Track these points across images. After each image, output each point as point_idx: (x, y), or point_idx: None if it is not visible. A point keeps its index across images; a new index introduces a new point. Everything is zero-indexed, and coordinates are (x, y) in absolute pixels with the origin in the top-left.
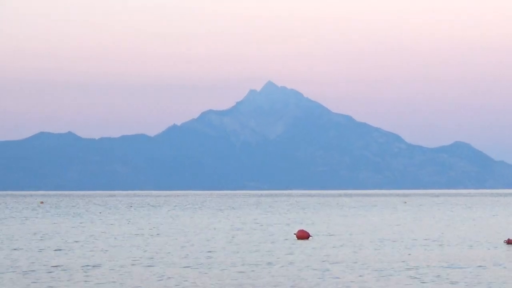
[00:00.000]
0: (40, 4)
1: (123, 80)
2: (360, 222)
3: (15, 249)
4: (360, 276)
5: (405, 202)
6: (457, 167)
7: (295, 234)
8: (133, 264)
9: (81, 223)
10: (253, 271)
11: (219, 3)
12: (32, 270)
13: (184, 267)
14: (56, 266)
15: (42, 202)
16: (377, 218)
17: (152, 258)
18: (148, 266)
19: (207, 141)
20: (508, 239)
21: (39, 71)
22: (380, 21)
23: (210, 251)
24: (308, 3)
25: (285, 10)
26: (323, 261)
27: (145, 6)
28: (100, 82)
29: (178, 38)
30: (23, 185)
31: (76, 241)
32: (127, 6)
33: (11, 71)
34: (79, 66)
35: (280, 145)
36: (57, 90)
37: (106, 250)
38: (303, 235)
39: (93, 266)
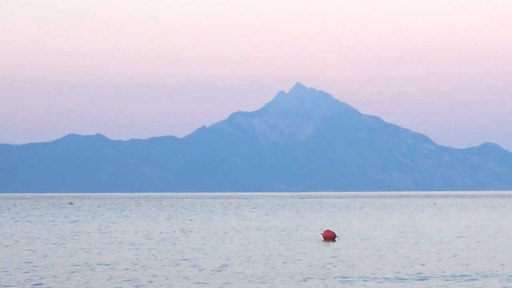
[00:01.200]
0: (65, 4)
1: (153, 82)
2: (387, 223)
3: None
4: (385, 278)
5: (435, 204)
6: (486, 168)
7: (321, 234)
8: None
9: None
10: (274, 269)
11: (248, 6)
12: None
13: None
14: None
15: (71, 203)
16: (405, 219)
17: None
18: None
19: (236, 142)
20: None
21: (68, 73)
22: (408, 22)
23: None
24: (337, 5)
25: (314, 12)
26: (348, 261)
27: (175, 7)
28: (129, 84)
29: (207, 40)
30: (52, 187)
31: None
32: (156, 7)
33: (41, 73)
34: (109, 68)
35: (309, 147)
36: (87, 92)
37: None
38: (329, 236)
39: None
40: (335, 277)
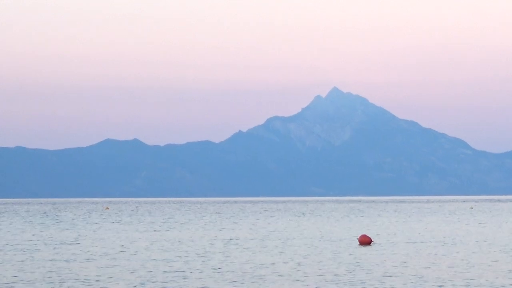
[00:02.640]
0: (101, 10)
1: (190, 87)
2: (423, 228)
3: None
4: (425, 281)
5: (472, 208)
6: None
7: (357, 239)
8: None
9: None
10: (318, 274)
11: (285, 11)
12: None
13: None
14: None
15: (107, 208)
16: (442, 223)
17: None
18: None
19: (273, 147)
20: None
21: (105, 78)
22: (444, 26)
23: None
24: (373, 9)
25: (350, 17)
26: (385, 265)
27: (214, 12)
28: (165, 89)
29: (243, 45)
30: (88, 192)
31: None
32: (195, 11)
33: (77, 78)
34: (145, 73)
35: (346, 151)
36: (123, 97)
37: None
38: (365, 240)
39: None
40: (371, 282)
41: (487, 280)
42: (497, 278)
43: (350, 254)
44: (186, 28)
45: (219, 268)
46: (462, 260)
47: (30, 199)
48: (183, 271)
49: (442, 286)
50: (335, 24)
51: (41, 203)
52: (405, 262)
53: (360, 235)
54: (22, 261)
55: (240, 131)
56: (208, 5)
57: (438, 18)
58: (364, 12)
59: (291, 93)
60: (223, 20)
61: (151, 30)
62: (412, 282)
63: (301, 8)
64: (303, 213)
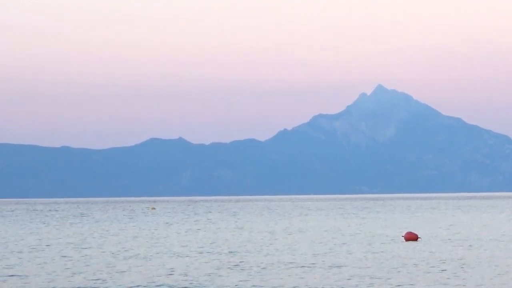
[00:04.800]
0: (147, 11)
1: (235, 85)
2: (467, 224)
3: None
4: (471, 276)
5: None
6: None
7: (403, 236)
8: None
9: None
10: (361, 270)
11: (331, 10)
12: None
13: None
14: None
15: (153, 208)
16: (486, 219)
17: None
18: None
19: (318, 145)
20: None
21: (149, 78)
22: (489, 21)
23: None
24: (417, 6)
25: (395, 15)
26: (432, 261)
27: (263, 14)
28: (210, 88)
29: (288, 43)
30: (134, 191)
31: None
32: (245, 12)
33: (122, 78)
34: (190, 72)
35: (391, 148)
36: (169, 96)
37: None
38: (411, 237)
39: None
40: (416, 278)
41: None
42: None
43: (395, 251)
44: (232, 29)
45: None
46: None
47: (76, 198)
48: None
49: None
50: (380, 22)
51: (94, 202)
52: (448, 258)
53: (406, 232)
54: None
55: (285, 129)
56: (258, 5)
57: (482, 13)
58: (408, 9)
59: (336, 91)
60: (267, 20)
61: (198, 31)
62: (454, 277)
63: (346, 7)
64: (348, 211)
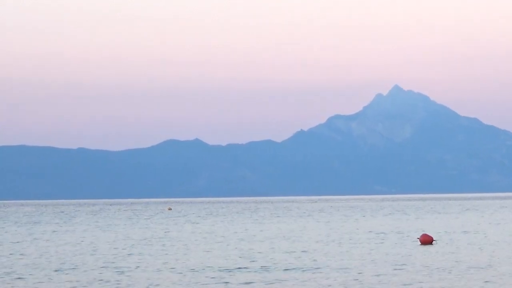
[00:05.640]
0: (169, 12)
1: (251, 86)
2: (485, 225)
3: None
4: (486, 281)
5: None
6: None
7: (418, 238)
8: None
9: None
10: (379, 275)
11: (347, 10)
12: None
13: None
14: None
15: (170, 209)
16: (507, 220)
17: None
18: None
19: (334, 146)
20: None
21: (166, 79)
22: (504, 21)
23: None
24: (434, 6)
25: (410, 15)
26: (447, 265)
27: (279, 14)
28: (227, 89)
29: (304, 43)
30: (150, 192)
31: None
32: (263, 12)
33: (138, 79)
34: (206, 73)
35: (408, 149)
36: (185, 98)
37: None
38: (426, 240)
39: None
40: (430, 281)
41: None
42: None
43: (410, 253)
44: (251, 30)
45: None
46: None
47: (92, 200)
48: None
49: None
50: (395, 22)
51: (112, 204)
52: (467, 259)
53: (421, 234)
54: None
55: (301, 130)
56: (274, 5)
57: (498, 13)
58: (424, 9)
59: (352, 92)
60: (285, 21)
61: (211, 30)
62: (474, 278)
63: (362, 7)
64: (366, 212)
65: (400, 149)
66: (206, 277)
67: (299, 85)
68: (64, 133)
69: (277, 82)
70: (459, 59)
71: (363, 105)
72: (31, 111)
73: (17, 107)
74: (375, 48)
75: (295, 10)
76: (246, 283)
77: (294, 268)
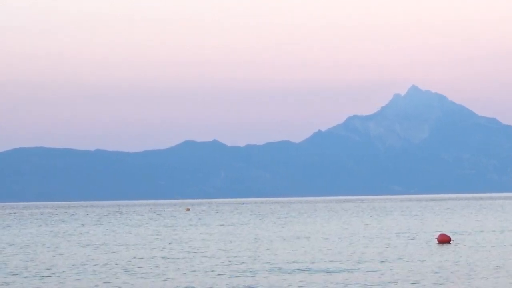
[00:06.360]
0: (184, 13)
1: (268, 86)
2: (503, 226)
3: None
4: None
5: None
6: None
7: (436, 238)
8: None
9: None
10: (396, 273)
11: (364, 9)
12: None
13: None
14: None
15: (188, 209)
16: None
17: None
18: None
19: (352, 146)
20: None
21: (183, 80)
22: None
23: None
24: (451, 5)
25: (428, 16)
26: (466, 264)
27: (297, 15)
28: (244, 89)
29: (322, 44)
30: (169, 193)
31: None
32: (281, 12)
33: (156, 80)
34: (224, 74)
35: (425, 149)
36: (203, 99)
37: None
38: (444, 240)
39: None
40: (451, 282)
41: None
42: None
43: (428, 253)
44: (270, 30)
45: None
46: None
47: (111, 201)
48: None
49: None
50: (413, 22)
51: (132, 205)
52: (480, 263)
53: (439, 234)
54: None
55: (319, 130)
56: (291, 5)
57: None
58: (442, 8)
59: (370, 92)
60: (304, 21)
61: (228, 30)
62: (493, 277)
63: (380, 6)
64: (384, 212)
65: (417, 149)
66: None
67: (316, 85)
68: (82, 135)
69: (295, 82)
70: (476, 59)
71: (381, 105)
72: (49, 113)
73: (35, 109)
74: (392, 49)
75: (317, 12)
76: None
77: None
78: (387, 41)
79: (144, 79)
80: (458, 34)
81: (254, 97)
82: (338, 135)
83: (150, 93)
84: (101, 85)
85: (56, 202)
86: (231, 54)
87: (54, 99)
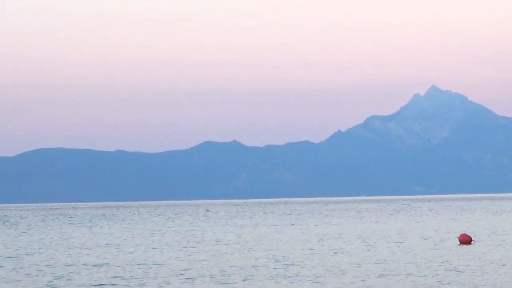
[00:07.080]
0: (200, 14)
1: (288, 87)
2: None
3: None
4: None
5: None
6: None
7: (457, 238)
8: None
9: None
10: (420, 276)
11: (384, 9)
12: None
13: None
14: None
15: (208, 210)
16: None
17: None
18: None
19: (372, 146)
20: None
21: (203, 81)
22: None
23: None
24: (471, 6)
25: (447, 15)
26: (487, 265)
27: (314, 15)
28: (264, 90)
29: (342, 44)
30: (189, 194)
31: None
32: (299, 13)
33: (176, 81)
34: (244, 75)
35: (445, 149)
36: (223, 99)
37: None
38: (465, 239)
39: None
40: (468, 282)
41: None
42: None
43: (450, 253)
44: (291, 29)
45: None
46: None
47: (130, 202)
48: None
49: None
50: (433, 22)
51: (151, 205)
52: (500, 263)
53: (460, 234)
54: None
55: (339, 130)
56: (306, 6)
57: None
58: (461, 8)
59: (389, 92)
60: (322, 21)
61: (244, 30)
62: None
63: (399, 6)
64: (405, 212)
65: (437, 149)
66: None
67: (336, 85)
68: (102, 136)
69: (315, 83)
70: (496, 58)
71: (400, 105)
72: (69, 114)
73: (56, 110)
74: (412, 48)
75: (334, 12)
76: None
77: None
78: (407, 41)
79: (163, 80)
80: (478, 34)
81: (273, 97)
82: (358, 136)
83: (170, 94)
84: (123, 86)
85: (77, 203)
86: (253, 55)
87: (74, 100)
